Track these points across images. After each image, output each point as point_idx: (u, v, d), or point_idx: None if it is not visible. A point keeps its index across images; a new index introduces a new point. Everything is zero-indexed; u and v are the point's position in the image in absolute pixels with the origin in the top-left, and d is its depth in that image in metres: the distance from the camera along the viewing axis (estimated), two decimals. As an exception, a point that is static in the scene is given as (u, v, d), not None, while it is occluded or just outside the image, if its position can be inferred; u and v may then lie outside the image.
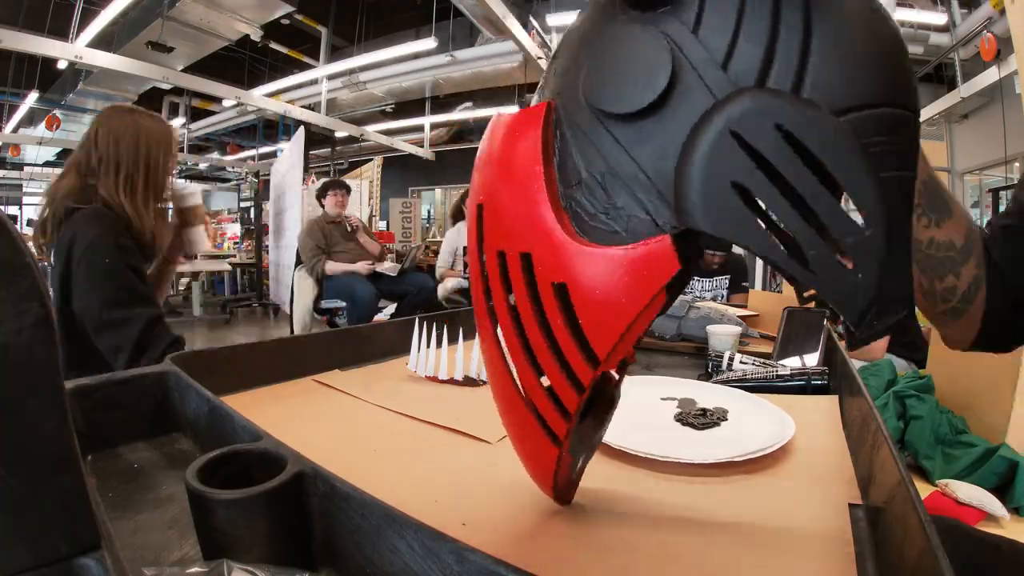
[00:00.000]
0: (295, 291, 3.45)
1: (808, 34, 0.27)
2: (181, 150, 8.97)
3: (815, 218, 0.27)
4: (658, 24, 0.29)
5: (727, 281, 2.48)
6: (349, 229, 3.49)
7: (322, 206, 3.49)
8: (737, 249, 2.85)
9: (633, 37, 0.30)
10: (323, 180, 3.91)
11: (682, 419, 0.65)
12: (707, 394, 0.73)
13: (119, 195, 1.09)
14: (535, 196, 0.32)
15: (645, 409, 0.69)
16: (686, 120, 0.28)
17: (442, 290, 3.59)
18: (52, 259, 1.06)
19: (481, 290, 0.36)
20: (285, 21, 5.87)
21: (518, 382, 0.36)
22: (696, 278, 2.47)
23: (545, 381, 0.35)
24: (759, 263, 6.07)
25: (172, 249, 1.28)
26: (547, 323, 0.33)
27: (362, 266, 3.35)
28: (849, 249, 0.28)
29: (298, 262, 3.50)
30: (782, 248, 0.28)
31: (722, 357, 0.92)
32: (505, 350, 0.36)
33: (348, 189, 3.60)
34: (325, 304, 3.36)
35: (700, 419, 0.64)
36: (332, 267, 3.33)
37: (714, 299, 1.79)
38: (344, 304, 3.31)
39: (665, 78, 0.28)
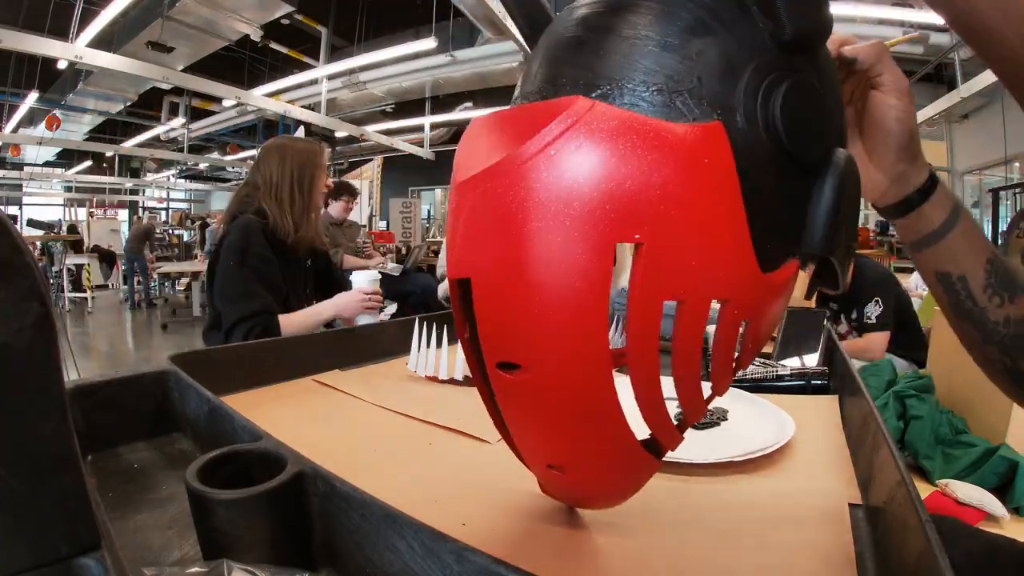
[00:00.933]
0: None
1: None
2: (180, 150, 8.98)
3: None
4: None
5: None
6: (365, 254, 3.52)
7: (325, 205, 3.49)
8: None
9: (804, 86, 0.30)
10: (336, 181, 3.90)
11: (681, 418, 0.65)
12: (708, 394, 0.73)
13: (269, 202, 1.37)
14: (737, 236, 0.29)
15: None
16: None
17: (442, 290, 3.59)
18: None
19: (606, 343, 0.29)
20: (285, 21, 5.87)
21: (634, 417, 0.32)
22: None
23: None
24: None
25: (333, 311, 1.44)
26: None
27: (377, 262, 3.36)
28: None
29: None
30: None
31: (722, 357, 0.92)
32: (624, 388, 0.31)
33: (355, 195, 3.62)
34: None
35: (702, 419, 0.64)
36: (350, 261, 3.34)
37: None
38: None
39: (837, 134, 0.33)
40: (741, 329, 0.32)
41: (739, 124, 0.28)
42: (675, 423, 0.34)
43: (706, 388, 0.35)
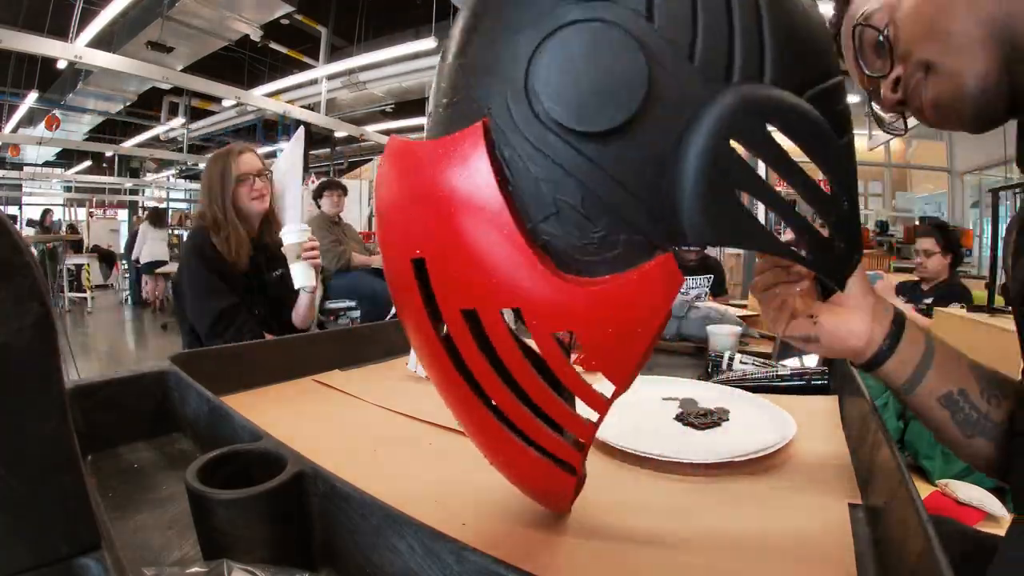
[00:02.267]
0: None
1: (760, 23, 0.25)
2: (180, 150, 8.97)
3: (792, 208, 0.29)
4: (599, 10, 0.25)
5: (709, 280, 2.52)
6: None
7: (318, 206, 3.47)
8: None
9: (589, 36, 0.25)
10: (320, 180, 3.89)
11: (683, 419, 0.65)
12: (708, 394, 0.73)
13: (203, 217, 1.42)
14: (508, 239, 0.27)
15: (647, 409, 0.69)
16: (670, 128, 0.25)
17: None
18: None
19: (446, 359, 0.31)
20: (285, 21, 5.87)
21: (518, 432, 0.33)
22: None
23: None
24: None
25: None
26: (553, 374, 0.30)
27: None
28: (832, 226, 0.30)
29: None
30: (783, 241, 0.30)
31: (722, 357, 0.92)
32: (496, 406, 0.33)
33: (345, 190, 3.60)
34: (332, 304, 3.32)
35: (701, 419, 0.64)
36: (358, 259, 3.33)
37: (698, 297, 1.83)
38: (352, 303, 3.27)
39: (643, 87, 0.25)
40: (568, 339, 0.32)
41: (512, 111, 0.26)
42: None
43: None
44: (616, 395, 0.31)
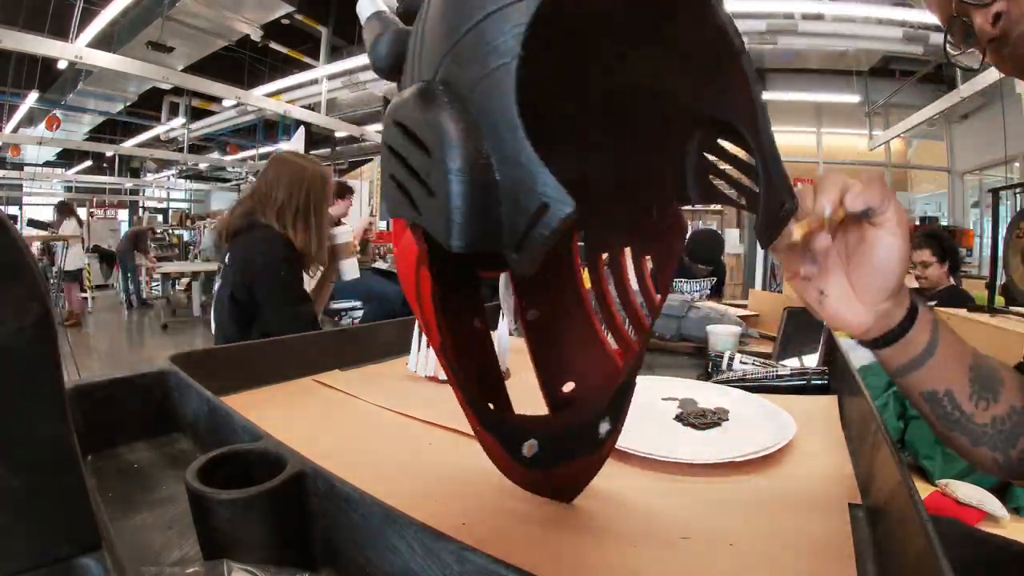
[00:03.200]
0: None
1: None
2: (180, 150, 8.99)
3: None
4: None
5: (711, 283, 2.53)
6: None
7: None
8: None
9: None
10: (339, 180, 3.89)
11: (683, 419, 0.65)
12: (708, 395, 0.73)
13: (283, 221, 1.42)
14: None
15: (647, 409, 0.68)
16: None
17: None
18: (227, 260, 1.46)
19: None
20: (285, 21, 5.87)
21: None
22: (683, 280, 2.53)
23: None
24: (759, 265, 6.07)
25: (328, 272, 1.62)
26: None
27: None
28: (433, 184, 0.30)
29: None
30: (409, 203, 0.32)
31: (722, 357, 0.92)
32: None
33: (352, 192, 3.62)
34: (336, 305, 3.31)
35: (701, 419, 0.64)
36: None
37: (701, 297, 1.86)
38: (358, 303, 3.26)
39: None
40: None
41: None
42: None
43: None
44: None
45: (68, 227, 6.12)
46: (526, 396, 0.47)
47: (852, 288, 0.45)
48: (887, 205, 0.42)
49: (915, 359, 0.47)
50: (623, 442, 0.54)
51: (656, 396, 0.73)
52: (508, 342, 0.87)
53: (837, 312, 0.45)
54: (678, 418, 0.65)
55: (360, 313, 3.26)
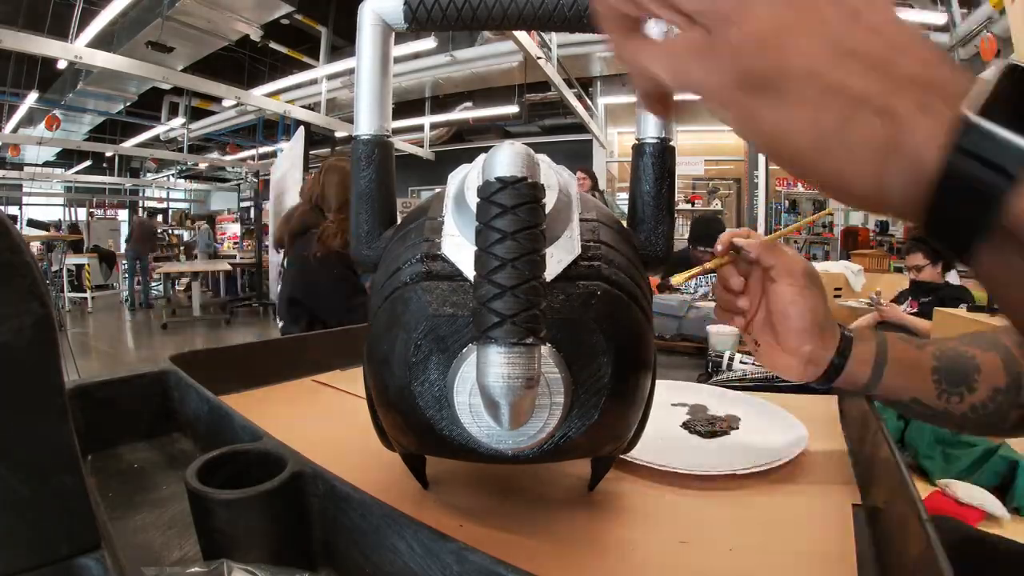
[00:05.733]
0: None
1: None
2: (180, 150, 8.99)
3: None
4: None
5: (710, 280, 2.51)
6: None
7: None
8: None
9: None
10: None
11: (690, 427, 0.63)
12: (718, 401, 0.71)
13: (337, 223, 1.60)
14: None
15: (654, 416, 0.66)
16: None
17: None
18: (286, 263, 1.68)
19: None
20: (285, 21, 5.87)
21: None
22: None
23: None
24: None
25: None
26: None
27: None
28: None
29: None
30: None
31: (722, 357, 0.92)
32: None
33: None
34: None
35: (708, 428, 0.62)
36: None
37: (704, 296, 1.83)
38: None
39: None
40: None
41: None
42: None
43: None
44: None
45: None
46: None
47: (776, 343, 0.49)
48: (768, 257, 0.47)
49: (865, 385, 0.49)
50: (634, 453, 0.52)
51: (666, 402, 0.71)
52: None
53: (770, 360, 0.50)
54: (685, 425, 0.64)
55: None
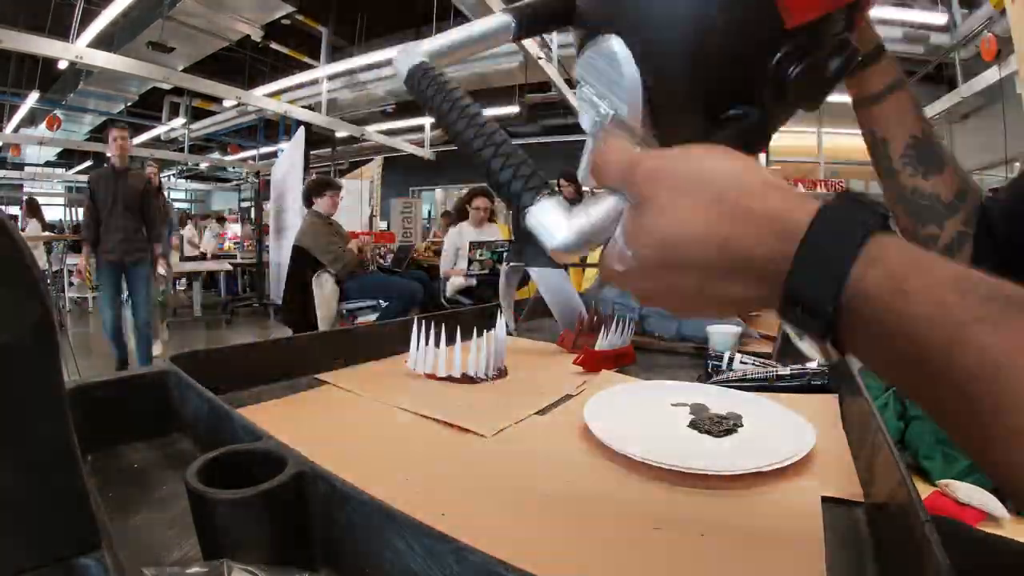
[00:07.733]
0: (316, 300, 3.21)
1: None
2: (181, 150, 8.99)
3: None
4: None
5: None
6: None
7: (309, 204, 3.42)
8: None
9: None
10: (315, 178, 3.82)
11: (698, 426, 0.63)
12: (717, 399, 0.71)
13: None
14: None
15: (657, 417, 0.67)
16: None
17: (450, 288, 3.60)
18: None
19: None
20: (285, 21, 5.88)
21: None
22: None
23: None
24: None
25: None
26: None
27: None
28: None
29: (296, 267, 3.31)
30: None
31: (722, 357, 0.92)
32: None
33: (340, 188, 3.59)
34: (352, 305, 3.27)
35: (717, 426, 0.62)
36: (355, 258, 3.33)
37: None
38: (371, 303, 3.25)
39: None
40: None
41: None
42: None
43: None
44: None
45: (31, 228, 6.06)
46: (526, 395, 0.47)
47: None
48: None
49: (869, 96, 0.54)
50: (641, 452, 0.53)
51: (666, 402, 0.71)
52: (506, 341, 0.87)
53: None
54: (692, 425, 0.64)
55: (374, 316, 3.24)
